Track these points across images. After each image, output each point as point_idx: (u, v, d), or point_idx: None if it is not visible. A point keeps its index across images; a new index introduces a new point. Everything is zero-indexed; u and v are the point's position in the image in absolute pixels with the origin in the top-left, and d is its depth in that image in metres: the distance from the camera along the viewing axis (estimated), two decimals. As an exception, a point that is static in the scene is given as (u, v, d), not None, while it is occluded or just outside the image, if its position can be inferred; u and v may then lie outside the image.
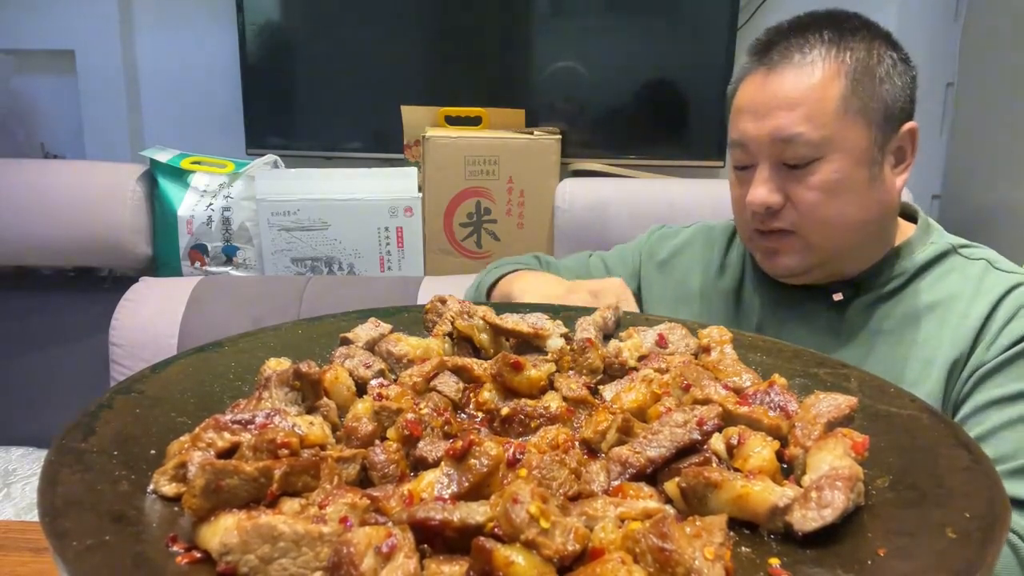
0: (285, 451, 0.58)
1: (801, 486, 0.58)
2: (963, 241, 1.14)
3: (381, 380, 0.77)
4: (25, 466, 1.97)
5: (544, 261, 1.39)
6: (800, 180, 1.05)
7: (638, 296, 1.30)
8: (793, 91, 1.03)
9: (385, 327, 0.86)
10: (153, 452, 0.62)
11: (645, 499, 0.57)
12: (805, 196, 1.05)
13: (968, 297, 1.06)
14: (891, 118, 1.06)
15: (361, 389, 0.76)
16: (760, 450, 0.61)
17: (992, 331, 1.03)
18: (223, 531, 0.49)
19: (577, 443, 0.66)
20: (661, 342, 0.85)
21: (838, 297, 1.12)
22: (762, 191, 1.06)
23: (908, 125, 1.08)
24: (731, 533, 0.53)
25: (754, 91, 1.07)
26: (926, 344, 1.06)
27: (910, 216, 1.18)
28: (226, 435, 0.60)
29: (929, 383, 1.04)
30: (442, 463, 0.58)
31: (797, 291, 1.15)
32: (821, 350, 1.09)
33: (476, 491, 0.55)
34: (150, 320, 1.96)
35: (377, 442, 0.64)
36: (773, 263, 1.12)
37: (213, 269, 2.26)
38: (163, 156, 2.23)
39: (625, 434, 0.65)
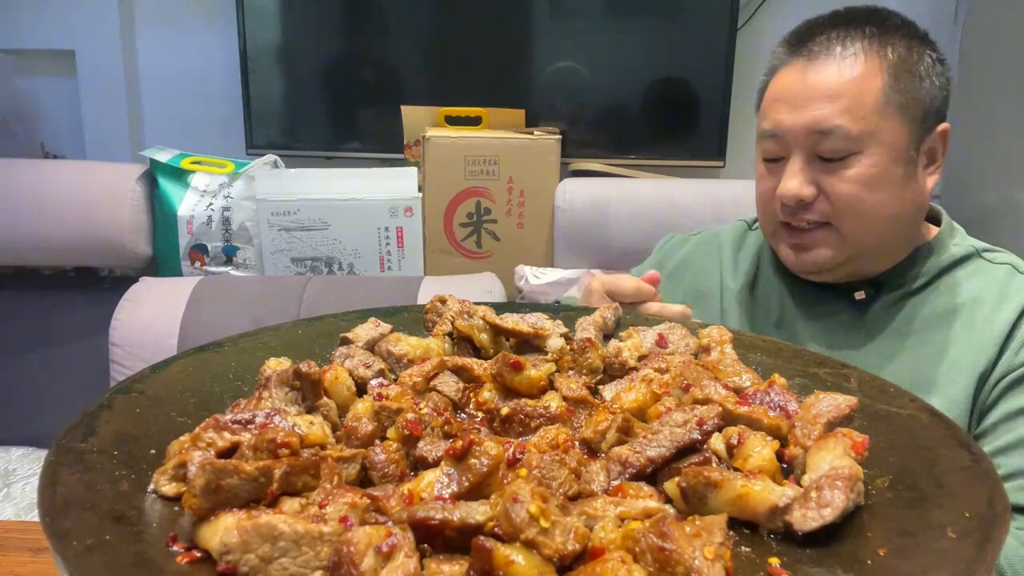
0: (285, 451, 0.58)
1: (801, 486, 0.58)
2: (986, 245, 1.13)
3: (381, 380, 0.77)
4: (25, 466, 1.97)
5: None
6: (834, 173, 1.03)
7: None
8: (834, 83, 1.02)
9: (385, 327, 0.86)
10: (153, 452, 0.62)
11: (645, 499, 0.57)
12: (840, 189, 1.03)
13: (993, 302, 1.05)
14: (928, 117, 1.04)
15: (361, 389, 0.76)
16: (760, 450, 0.61)
17: (1019, 337, 1.02)
18: (223, 531, 0.49)
19: (577, 443, 0.66)
20: (661, 342, 0.85)
21: (860, 296, 1.11)
22: (794, 183, 1.04)
23: (941, 126, 1.07)
24: (731, 533, 0.53)
25: (792, 81, 1.05)
26: (951, 348, 1.05)
27: (933, 218, 1.17)
28: (226, 435, 0.60)
29: (956, 389, 1.02)
30: (442, 463, 0.58)
31: (816, 288, 1.13)
32: (842, 350, 1.08)
33: (476, 491, 0.55)
34: (150, 320, 1.96)
35: (377, 442, 0.64)
36: (801, 259, 1.09)
37: (213, 269, 2.26)
38: (163, 156, 2.23)
39: (625, 434, 0.65)
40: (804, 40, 1.06)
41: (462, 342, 0.85)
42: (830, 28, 1.05)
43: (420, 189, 2.20)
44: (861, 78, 1.01)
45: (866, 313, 1.11)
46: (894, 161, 1.03)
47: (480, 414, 0.74)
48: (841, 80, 1.02)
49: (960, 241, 1.13)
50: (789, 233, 1.09)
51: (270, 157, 2.29)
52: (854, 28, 1.04)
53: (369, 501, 0.53)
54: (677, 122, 2.40)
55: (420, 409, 0.67)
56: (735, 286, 1.22)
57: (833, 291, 1.13)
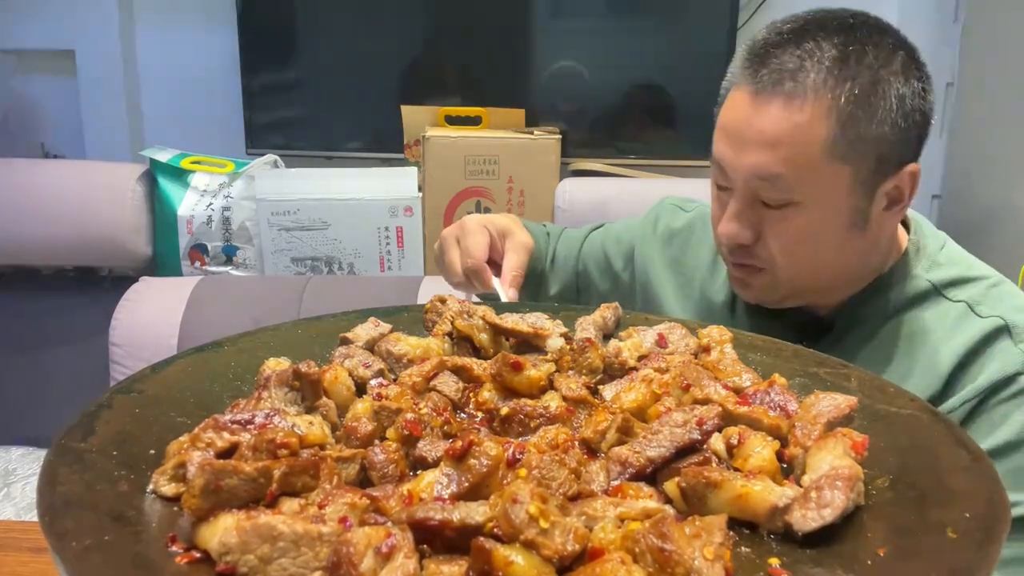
0: (284, 451, 0.58)
1: (801, 486, 0.58)
2: (951, 277, 1.02)
3: (381, 380, 0.77)
4: (25, 466, 1.97)
5: (555, 234, 1.37)
6: (775, 220, 0.97)
7: (633, 271, 1.26)
8: (775, 128, 0.93)
9: (385, 327, 0.86)
10: (153, 452, 0.62)
11: (645, 499, 0.57)
12: (778, 237, 0.97)
13: (938, 340, 0.98)
14: (885, 161, 0.95)
15: (361, 389, 0.75)
16: (760, 450, 0.61)
17: (959, 381, 0.96)
18: (222, 531, 0.49)
19: (577, 443, 0.66)
20: (661, 342, 0.85)
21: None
22: (733, 227, 0.98)
23: (910, 167, 0.97)
24: (731, 533, 0.53)
25: (736, 113, 0.97)
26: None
27: (905, 224, 1.09)
28: (225, 435, 0.60)
29: None
30: (442, 463, 0.58)
31: (775, 321, 1.08)
32: None
33: (476, 491, 0.55)
34: (150, 320, 1.96)
35: (377, 442, 0.64)
36: (743, 292, 1.06)
37: (213, 269, 2.26)
38: (163, 156, 2.23)
39: (625, 434, 0.65)
40: (761, 58, 0.96)
41: (462, 342, 0.85)
42: (792, 46, 0.95)
43: (420, 189, 2.20)
44: (807, 124, 0.92)
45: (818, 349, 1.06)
46: (835, 213, 0.96)
47: (480, 414, 0.73)
48: (783, 126, 0.93)
49: (922, 272, 1.04)
50: (732, 264, 1.05)
51: (270, 157, 2.29)
52: (814, 50, 0.93)
53: (368, 501, 0.53)
54: (677, 122, 2.40)
55: (420, 409, 0.67)
56: (717, 290, 1.18)
57: (788, 325, 1.07)
